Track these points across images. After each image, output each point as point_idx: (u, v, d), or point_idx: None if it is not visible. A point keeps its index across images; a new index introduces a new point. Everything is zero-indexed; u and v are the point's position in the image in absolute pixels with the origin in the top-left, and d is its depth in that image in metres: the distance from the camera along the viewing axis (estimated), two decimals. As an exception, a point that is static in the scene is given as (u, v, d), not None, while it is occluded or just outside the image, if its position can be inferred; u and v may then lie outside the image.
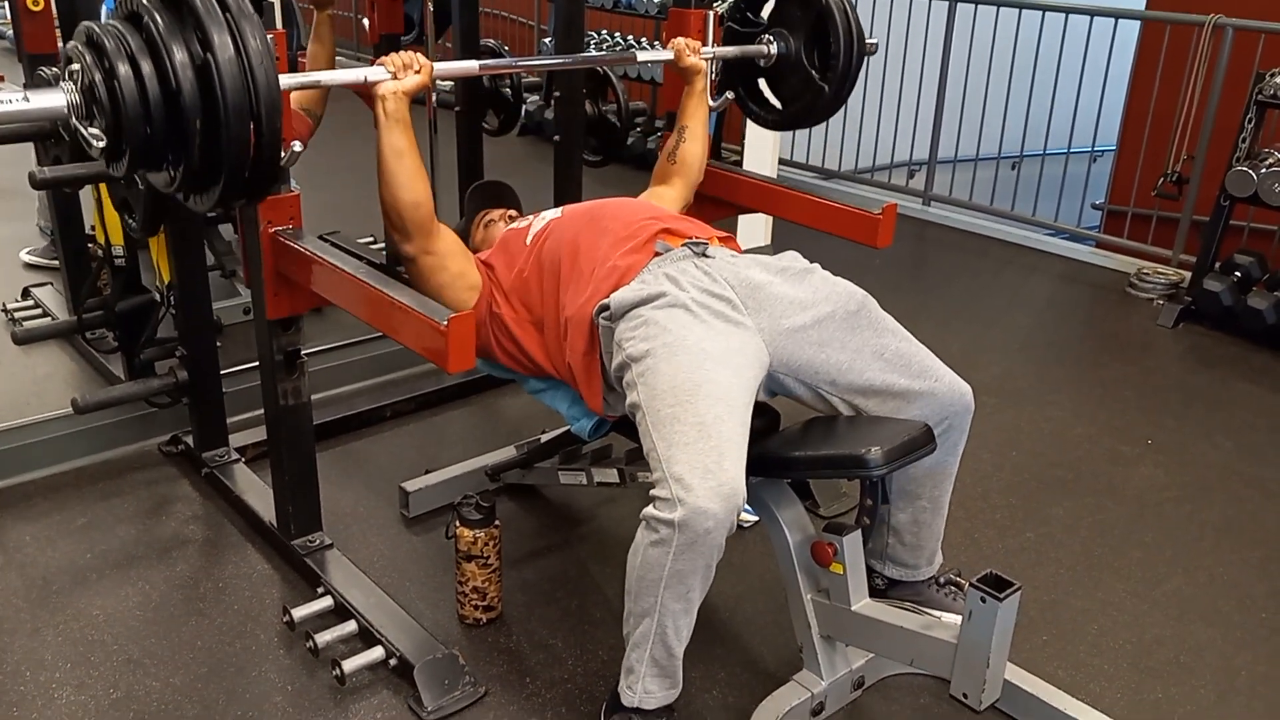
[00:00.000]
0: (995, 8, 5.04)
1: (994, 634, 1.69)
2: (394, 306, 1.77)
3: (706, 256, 1.99)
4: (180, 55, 1.54)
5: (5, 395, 3.13)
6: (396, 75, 1.94)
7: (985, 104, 5.26)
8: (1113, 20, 4.73)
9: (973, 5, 5.10)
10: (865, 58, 2.51)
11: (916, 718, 2.03)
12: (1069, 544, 2.61)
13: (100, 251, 2.89)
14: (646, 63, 2.59)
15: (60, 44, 2.90)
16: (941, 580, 2.14)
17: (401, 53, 1.97)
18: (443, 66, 2.09)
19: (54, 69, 2.79)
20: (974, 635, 1.72)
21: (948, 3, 5.15)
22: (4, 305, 3.66)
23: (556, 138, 3.09)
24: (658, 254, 1.99)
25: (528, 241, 2.11)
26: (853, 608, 1.89)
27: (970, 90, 5.23)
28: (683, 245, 2.01)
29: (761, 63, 2.57)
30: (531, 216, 2.23)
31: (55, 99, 1.57)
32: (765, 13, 2.61)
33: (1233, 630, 2.32)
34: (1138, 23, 5.09)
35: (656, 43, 6.01)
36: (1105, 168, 5.74)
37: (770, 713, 1.91)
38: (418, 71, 1.96)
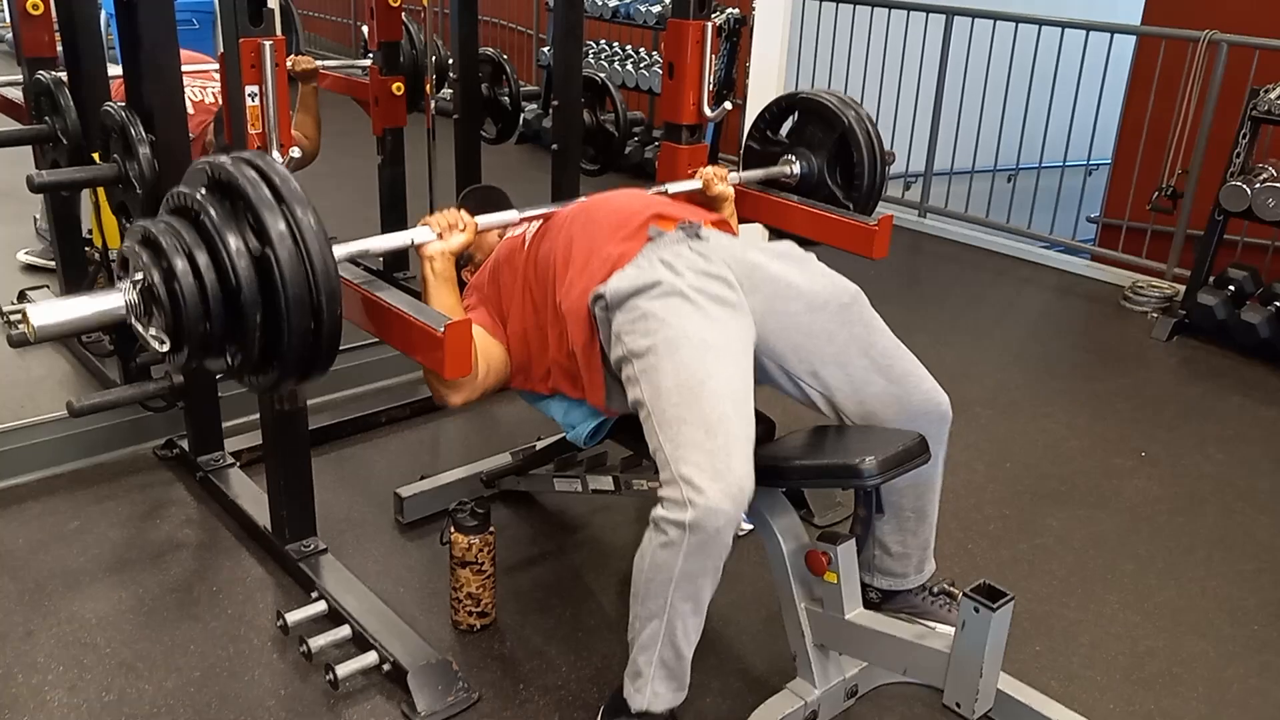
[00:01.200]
0: (992, 21, 5.07)
1: (987, 644, 1.69)
2: (391, 313, 1.77)
3: (700, 238, 1.97)
4: (237, 248, 1.51)
5: (0, 397, 3.13)
6: (442, 235, 1.96)
7: (981, 117, 5.27)
8: (1108, 35, 4.76)
9: (969, 19, 5.13)
10: (888, 169, 2.53)
11: (909, 727, 2.04)
12: (1062, 555, 2.62)
13: (97, 255, 2.89)
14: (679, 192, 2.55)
15: (59, 47, 2.91)
16: (935, 590, 2.14)
17: (445, 212, 1.99)
18: (485, 220, 2.08)
19: (53, 73, 2.80)
20: (967, 645, 1.72)
21: (945, 16, 5.17)
22: (0, 308, 3.66)
23: (554, 146, 3.10)
24: (650, 239, 1.97)
25: (525, 246, 2.12)
26: (846, 617, 1.89)
27: (967, 103, 5.25)
28: (676, 229, 1.99)
29: (784, 180, 2.59)
30: (525, 223, 2.23)
31: (114, 301, 1.54)
32: (784, 130, 2.63)
33: (1225, 642, 2.33)
34: (1133, 38, 5.11)
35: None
36: (1100, 181, 5.76)
37: (763, 721, 1.91)
38: (462, 230, 1.98)
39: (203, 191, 1.55)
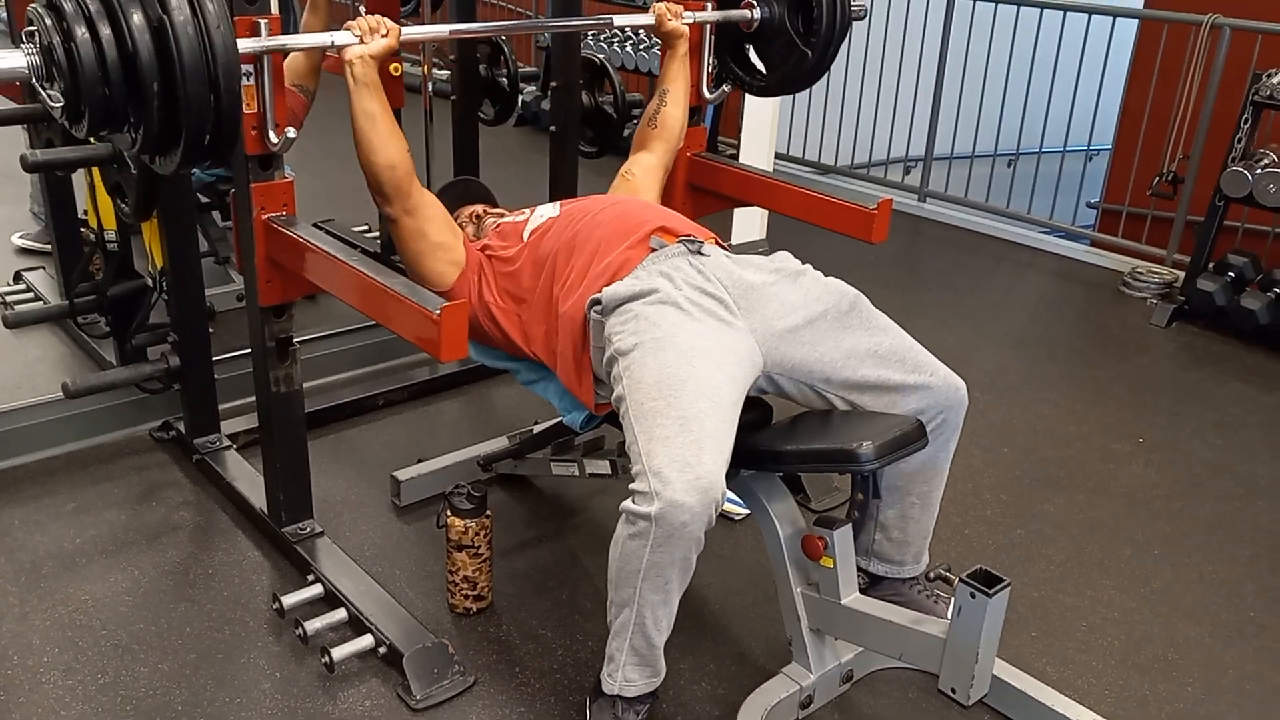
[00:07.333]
0: (993, 4, 5.04)
1: (983, 629, 1.69)
2: (387, 294, 1.76)
3: (701, 255, 1.98)
4: (137, 18, 1.56)
5: (-4, 379, 3.12)
6: (363, 39, 1.95)
7: (982, 101, 5.25)
8: (1110, 19, 4.73)
9: (971, 1, 5.09)
10: (852, 22, 2.48)
11: (905, 712, 2.04)
12: (1059, 541, 2.62)
13: (93, 236, 2.88)
14: (625, 27, 2.58)
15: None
16: (931, 575, 2.14)
17: (368, 16, 1.97)
18: (411, 31, 2.07)
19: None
20: (963, 630, 1.72)
21: (946, -2, 5.15)
22: (-5, 289, 3.65)
23: (552, 128, 3.08)
24: (652, 250, 1.99)
25: (525, 237, 2.11)
26: (842, 601, 1.89)
27: (967, 87, 5.23)
28: (678, 242, 2.00)
29: (745, 27, 2.55)
30: (528, 211, 2.23)
31: (15, 60, 1.60)
32: None
33: (1221, 628, 2.33)
34: (1135, 21, 5.08)
35: None
36: (1101, 166, 5.74)
37: (759, 705, 1.91)
38: (384, 35, 1.96)
39: None
